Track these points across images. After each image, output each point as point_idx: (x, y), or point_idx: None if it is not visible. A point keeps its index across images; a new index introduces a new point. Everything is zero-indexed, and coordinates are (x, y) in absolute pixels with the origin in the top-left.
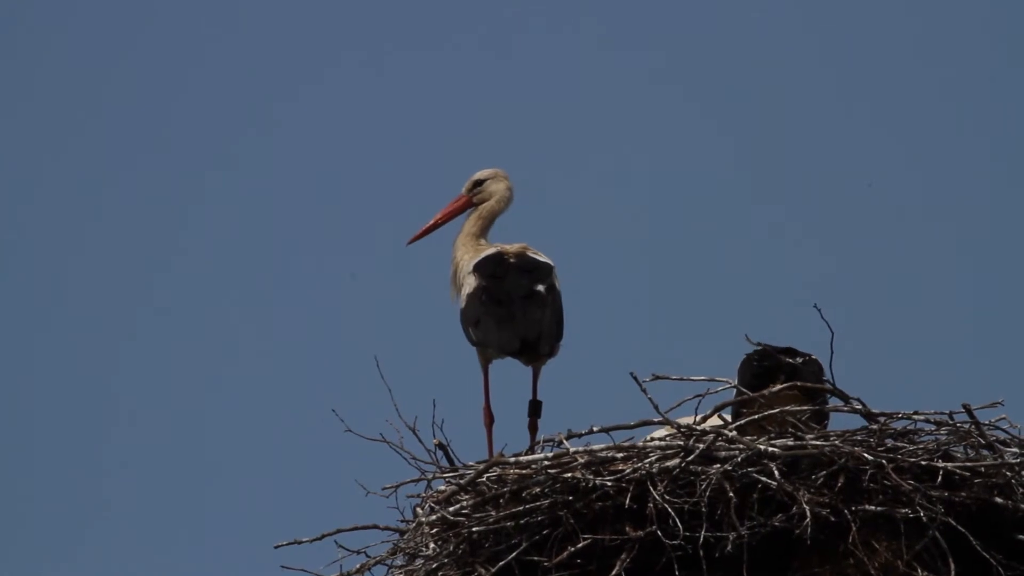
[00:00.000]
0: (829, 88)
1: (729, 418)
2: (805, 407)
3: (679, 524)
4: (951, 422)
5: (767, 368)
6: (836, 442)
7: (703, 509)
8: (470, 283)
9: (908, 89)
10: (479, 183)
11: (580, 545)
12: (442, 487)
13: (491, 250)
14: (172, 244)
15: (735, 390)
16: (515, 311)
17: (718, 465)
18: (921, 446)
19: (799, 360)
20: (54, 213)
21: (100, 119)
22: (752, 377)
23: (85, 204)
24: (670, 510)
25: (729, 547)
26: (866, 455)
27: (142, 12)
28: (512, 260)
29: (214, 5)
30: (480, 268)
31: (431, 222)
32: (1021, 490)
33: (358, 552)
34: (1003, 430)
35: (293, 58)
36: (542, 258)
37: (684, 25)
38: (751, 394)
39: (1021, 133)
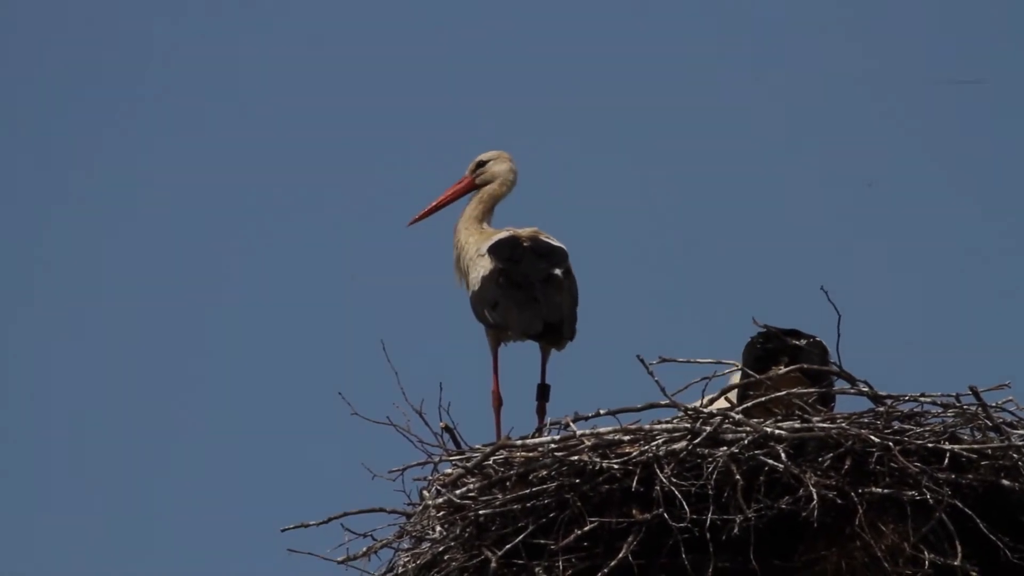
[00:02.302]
0: (830, 84)
1: (735, 398)
2: (811, 389)
3: (686, 507)
4: (958, 404)
5: (770, 350)
6: (843, 424)
7: (710, 492)
8: (484, 266)
9: (910, 83)
10: (482, 164)
11: (587, 528)
12: (449, 470)
13: (504, 233)
14: (175, 235)
15: (741, 373)
16: (537, 294)
17: (725, 448)
18: (928, 428)
19: (803, 342)
20: (56, 211)
21: (97, 115)
22: (755, 360)
23: (87, 202)
24: (677, 493)
25: (736, 530)
26: (873, 437)
27: (142, 10)
28: (527, 244)
29: (212, 4)
30: (496, 251)
31: (434, 203)
32: None
33: (365, 535)
34: (1010, 412)
35: (292, 55)
36: (555, 242)
37: (686, 23)
38: (756, 376)
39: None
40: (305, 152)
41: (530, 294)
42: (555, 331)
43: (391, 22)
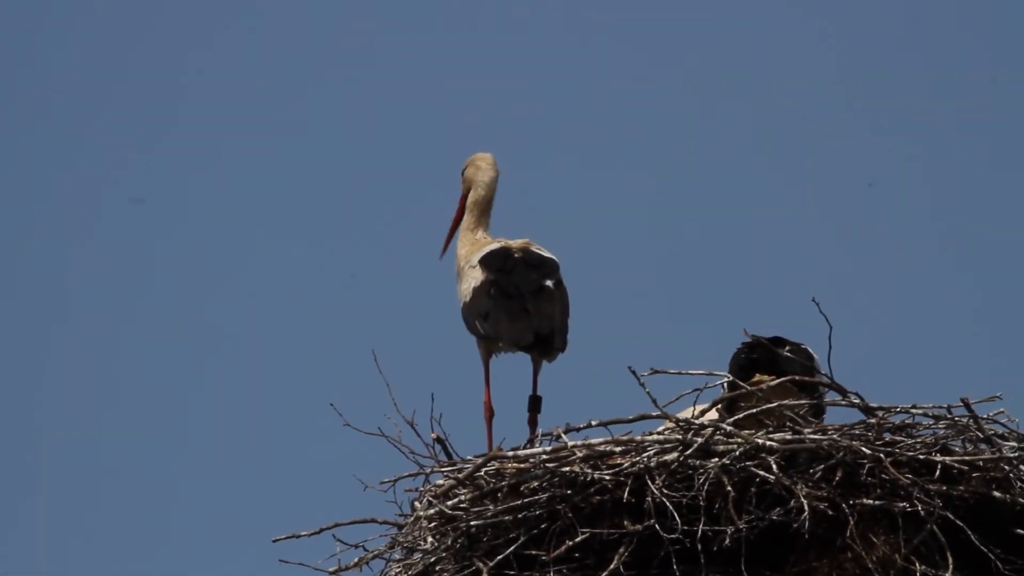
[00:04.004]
0: (831, 84)
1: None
2: (803, 400)
3: (677, 518)
4: (949, 416)
5: (754, 360)
6: (834, 436)
7: (701, 503)
8: (476, 276)
9: (909, 87)
10: (462, 174)
11: (578, 539)
12: (440, 481)
13: (495, 244)
14: (173, 234)
15: (730, 383)
16: (528, 305)
17: (716, 459)
18: (919, 440)
19: (787, 349)
20: (51, 206)
21: (100, 110)
22: (739, 369)
23: (84, 200)
24: (668, 504)
25: (727, 541)
26: (864, 449)
27: (145, 10)
28: (518, 255)
29: (213, 4)
30: (487, 262)
31: (449, 229)
32: (1019, 484)
33: (356, 546)
34: (1001, 424)
35: (291, 57)
36: (547, 253)
37: (687, 21)
38: (747, 388)
39: (1021, 130)
40: (304, 153)
41: (521, 305)
42: (546, 342)
43: (393, 22)
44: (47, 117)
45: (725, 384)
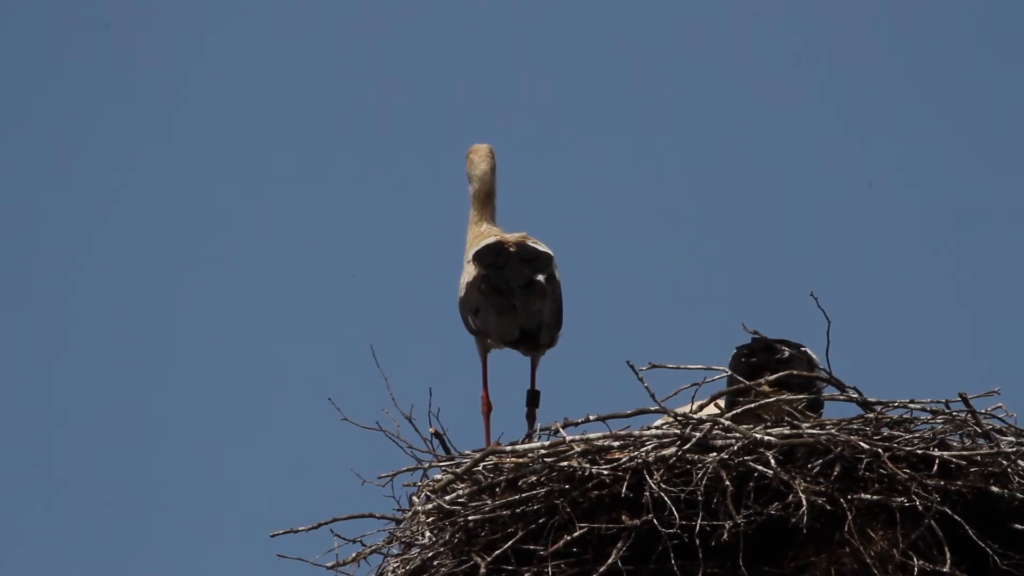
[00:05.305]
0: (831, 84)
1: (723, 404)
2: (800, 396)
3: (675, 513)
4: (947, 411)
5: (754, 364)
6: (832, 431)
7: (699, 498)
8: (469, 271)
9: (908, 87)
10: None
11: (576, 534)
12: (438, 476)
13: (491, 239)
14: (173, 232)
15: (729, 378)
16: (516, 301)
17: (714, 454)
18: (917, 435)
19: (786, 352)
20: (51, 206)
21: (101, 109)
22: (740, 374)
23: (84, 205)
24: (666, 499)
25: (725, 536)
26: (862, 444)
27: (145, 10)
28: (512, 249)
29: (213, 4)
30: (480, 257)
31: None
32: (1017, 479)
33: (354, 541)
34: (999, 419)
35: (292, 58)
36: (542, 247)
37: (688, 21)
38: (745, 383)
39: (1019, 129)
40: (303, 152)
41: (509, 300)
42: (532, 338)
43: (394, 22)
44: (47, 117)
45: (725, 380)
